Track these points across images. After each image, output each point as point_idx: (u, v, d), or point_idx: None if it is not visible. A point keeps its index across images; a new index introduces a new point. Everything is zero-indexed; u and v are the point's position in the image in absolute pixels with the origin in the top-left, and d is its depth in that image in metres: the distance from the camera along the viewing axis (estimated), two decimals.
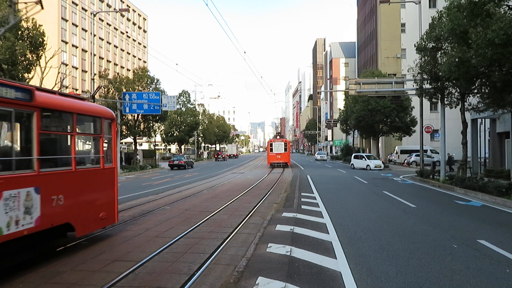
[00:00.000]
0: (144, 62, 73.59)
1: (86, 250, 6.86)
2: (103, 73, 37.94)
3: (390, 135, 39.51)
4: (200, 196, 14.69)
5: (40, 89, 6.13)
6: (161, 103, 31.27)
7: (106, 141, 7.79)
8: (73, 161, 6.60)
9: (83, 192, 6.95)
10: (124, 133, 36.01)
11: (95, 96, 26.69)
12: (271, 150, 35.51)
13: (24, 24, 22.10)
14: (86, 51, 56.22)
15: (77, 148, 6.81)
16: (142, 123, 37.74)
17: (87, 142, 7.95)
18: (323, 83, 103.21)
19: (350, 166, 35.48)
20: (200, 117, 63.69)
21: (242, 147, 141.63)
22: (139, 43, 73.19)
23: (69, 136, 6.76)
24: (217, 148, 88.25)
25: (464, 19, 13.58)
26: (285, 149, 35.25)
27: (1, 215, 5.03)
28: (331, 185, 18.93)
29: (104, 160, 7.56)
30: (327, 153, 79.69)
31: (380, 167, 31.98)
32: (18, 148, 5.88)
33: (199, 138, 66.74)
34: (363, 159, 33.60)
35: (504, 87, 13.74)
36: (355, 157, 35.55)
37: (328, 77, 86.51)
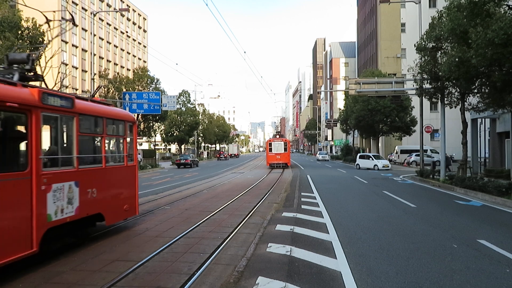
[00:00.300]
0: (144, 62, 73.57)
1: (86, 250, 6.86)
2: (103, 73, 37.96)
3: (390, 135, 39.53)
4: (200, 196, 14.69)
5: (78, 97, 7.09)
6: (161, 103, 31.26)
7: (128, 141, 8.77)
8: (103, 159, 7.56)
9: (111, 186, 7.91)
10: None
11: (95, 96, 26.66)
12: (270, 150, 33.77)
13: (24, 23, 22.09)
14: (86, 51, 56.21)
15: (105, 148, 7.72)
16: (142, 123, 37.75)
17: (113, 143, 8.79)
18: (323, 83, 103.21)
19: (355, 166, 34.66)
20: (200, 117, 63.72)
21: (242, 147, 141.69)
22: (139, 42, 73.17)
23: (99, 137, 7.65)
24: (217, 148, 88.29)
25: (464, 19, 13.58)
26: (285, 149, 33.52)
27: (51, 204, 5.96)
28: (331, 185, 18.93)
29: (127, 159, 8.53)
30: (327, 152, 79.84)
31: (388, 167, 31.42)
32: (63, 148, 6.71)
33: (199, 138, 66.75)
34: (370, 159, 32.91)
35: (504, 87, 13.74)
36: (361, 157, 34.69)
37: (328, 77, 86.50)
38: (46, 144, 6.29)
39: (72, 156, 6.62)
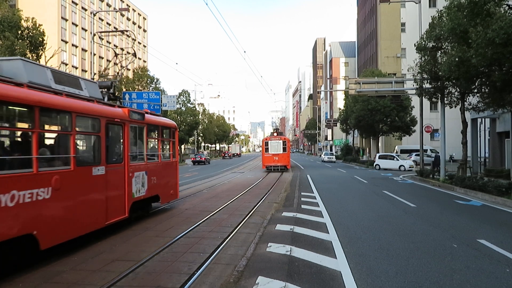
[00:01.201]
0: (144, 61, 73.57)
1: (86, 249, 6.86)
2: (103, 72, 37.97)
3: (390, 134, 39.51)
4: (199, 195, 14.69)
5: (146, 112, 9.76)
6: (161, 102, 31.18)
7: (173, 143, 11.61)
8: (159, 156, 10.48)
9: (163, 176, 10.70)
10: None
11: None
12: (267, 150, 28.57)
13: (24, 23, 22.09)
14: (86, 51, 56.21)
15: (161, 148, 10.72)
16: None
17: (165, 144, 11.47)
18: (323, 83, 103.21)
19: (374, 167, 32.48)
20: (200, 116, 63.72)
21: (242, 147, 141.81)
22: (139, 42, 73.15)
23: (157, 140, 10.59)
24: (217, 148, 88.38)
25: (464, 18, 13.58)
26: (284, 149, 28.43)
27: (134, 186, 8.71)
28: (331, 184, 18.93)
29: (172, 156, 11.53)
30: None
31: (413, 167, 29.75)
32: (139, 148, 9.37)
33: (199, 138, 66.73)
34: (394, 159, 31.22)
35: (504, 86, 13.74)
36: (382, 157, 32.59)
37: (328, 77, 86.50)
38: (130, 145, 8.77)
39: (143, 154, 9.43)
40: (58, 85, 6.91)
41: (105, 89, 9.46)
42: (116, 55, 12.44)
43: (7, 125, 5.84)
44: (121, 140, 8.43)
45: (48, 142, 6.71)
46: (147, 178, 9.43)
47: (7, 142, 6.06)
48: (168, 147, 11.57)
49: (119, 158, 8.31)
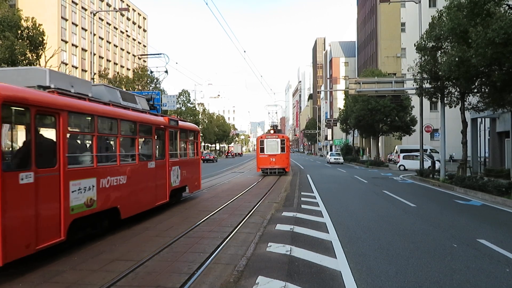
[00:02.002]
0: (144, 61, 73.52)
1: (86, 249, 6.86)
2: (103, 72, 37.95)
3: (390, 134, 39.51)
4: (199, 195, 14.68)
5: (179, 119, 12.30)
6: (161, 102, 31.22)
7: (196, 143, 14.13)
8: (188, 154, 12.95)
9: (190, 170, 13.02)
10: None
11: None
12: (262, 150, 24.07)
13: (23, 23, 22.07)
14: (86, 51, 56.18)
15: (189, 147, 13.22)
16: None
17: (191, 144, 13.74)
18: (323, 83, 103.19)
19: (398, 168, 29.91)
20: (200, 116, 63.73)
21: (243, 147, 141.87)
22: (139, 42, 73.12)
23: (186, 141, 12.94)
24: (217, 148, 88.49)
25: (464, 18, 13.58)
26: (283, 149, 23.93)
27: (172, 177, 11.09)
28: (331, 184, 18.93)
29: (196, 154, 14.09)
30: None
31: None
32: (174, 148, 11.70)
33: None
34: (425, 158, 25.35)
35: (504, 86, 13.74)
36: (406, 157, 29.58)
37: (328, 77, 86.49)
38: (169, 145, 11.01)
39: (177, 152, 11.86)
40: (124, 102, 9.17)
41: (147, 101, 11.60)
42: (151, 72, 14.50)
43: (104, 132, 8.02)
44: (164, 142, 10.82)
45: (123, 143, 8.83)
46: (180, 171, 11.86)
47: (104, 144, 8.11)
48: (193, 147, 13.93)
49: (163, 155, 10.70)
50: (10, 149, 5.72)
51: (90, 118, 7.27)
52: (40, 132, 6.07)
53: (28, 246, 5.48)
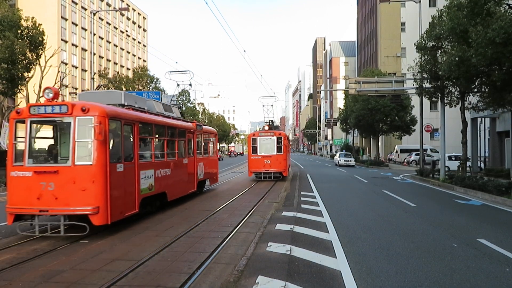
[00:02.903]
0: (144, 61, 73.51)
1: (86, 249, 6.86)
2: (103, 72, 37.95)
3: (390, 134, 39.51)
4: (199, 195, 14.69)
5: (203, 124, 15.04)
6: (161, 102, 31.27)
7: (213, 143, 16.54)
8: (208, 153, 15.66)
9: (210, 166, 15.68)
10: None
11: None
12: (254, 150, 20.06)
13: (23, 23, 22.05)
14: (86, 50, 56.16)
15: (210, 146, 15.98)
16: None
17: (211, 144, 16.26)
18: (323, 82, 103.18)
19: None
20: (200, 116, 63.70)
21: (243, 146, 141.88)
22: (139, 42, 73.10)
23: (207, 141, 15.68)
24: (217, 148, 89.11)
25: (464, 18, 13.58)
26: (279, 149, 19.96)
27: (198, 171, 13.68)
28: (331, 184, 18.93)
29: (215, 153, 16.72)
30: (327, 152, 79.76)
31: None
32: (199, 147, 14.29)
33: None
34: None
35: (504, 86, 13.74)
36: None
37: (328, 76, 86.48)
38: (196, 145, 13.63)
39: (201, 151, 14.46)
40: (164, 111, 11.71)
41: (178, 109, 14.03)
42: (178, 85, 16.05)
43: (157, 135, 10.51)
44: (192, 142, 13.23)
45: (168, 144, 11.16)
46: (203, 166, 14.43)
47: (157, 144, 10.60)
48: (213, 147, 16.44)
49: (192, 153, 13.24)
50: (111, 148, 8.01)
51: (150, 126, 10.05)
52: (125, 137, 8.56)
53: (120, 213, 8.16)
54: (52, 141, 8.47)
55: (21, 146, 7.91)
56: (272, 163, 19.79)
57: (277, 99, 18.10)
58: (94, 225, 7.51)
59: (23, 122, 7.88)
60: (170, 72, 15.69)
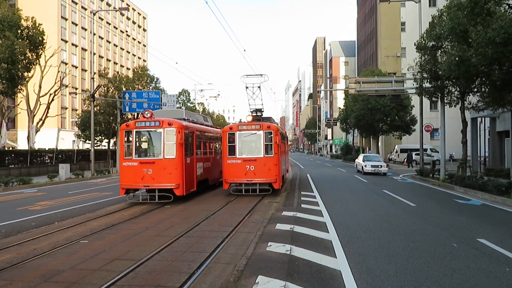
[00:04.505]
0: (144, 61, 73.50)
1: (86, 248, 6.86)
2: (103, 72, 37.92)
3: (390, 134, 39.53)
4: (199, 195, 14.68)
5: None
6: (161, 102, 31.23)
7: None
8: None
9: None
10: None
11: (95, 95, 26.64)
12: (232, 151, 14.12)
13: (23, 23, 22.04)
14: (85, 50, 56.16)
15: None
16: None
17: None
18: (323, 82, 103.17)
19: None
20: None
21: None
22: (139, 42, 73.10)
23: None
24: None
25: (464, 18, 13.58)
26: (269, 149, 14.06)
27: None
28: (331, 184, 18.93)
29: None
30: (327, 152, 79.79)
31: None
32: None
33: None
34: None
35: (504, 86, 13.74)
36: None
37: (328, 76, 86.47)
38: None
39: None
40: (204, 121, 16.83)
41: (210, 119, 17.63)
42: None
43: (204, 139, 15.08)
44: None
45: (209, 145, 15.77)
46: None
47: (203, 145, 14.95)
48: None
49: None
50: (185, 147, 12.51)
51: (200, 132, 14.60)
52: (189, 140, 13.17)
53: (188, 189, 12.63)
54: (147, 143, 13.09)
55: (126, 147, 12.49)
56: (258, 170, 13.69)
57: (267, 79, 15.00)
58: (176, 195, 12.16)
59: (130, 132, 12.39)
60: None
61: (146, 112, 12.40)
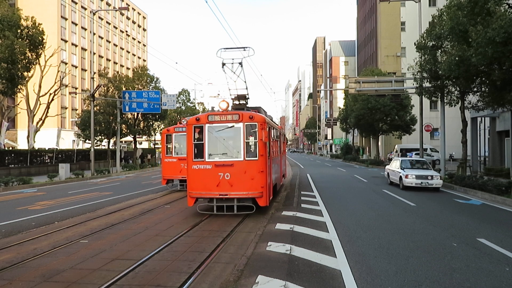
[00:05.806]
0: (144, 60, 73.50)
1: (86, 248, 6.87)
2: (103, 71, 37.91)
3: (390, 133, 39.50)
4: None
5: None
6: (161, 101, 31.21)
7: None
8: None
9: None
10: (123, 132, 35.99)
11: (95, 94, 26.64)
12: (199, 152, 9.95)
13: (23, 22, 22.02)
14: (85, 50, 56.15)
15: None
16: (141, 122, 37.70)
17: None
18: (323, 82, 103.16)
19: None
20: None
21: None
22: (138, 41, 73.09)
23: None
24: None
25: (464, 17, 13.58)
26: (251, 149, 9.79)
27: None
28: (331, 183, 18.93)
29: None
30: (327, 152, 79.73)
31: None
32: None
33: None
34: None
35: (504, 85, 13.74)
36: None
37: (328, 76, 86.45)
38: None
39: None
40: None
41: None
42: (194, 98, 16.83)
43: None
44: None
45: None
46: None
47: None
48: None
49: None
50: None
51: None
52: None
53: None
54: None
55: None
56: (236, 180, 9.67)
57: (252, 53, 10.87)
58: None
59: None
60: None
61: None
